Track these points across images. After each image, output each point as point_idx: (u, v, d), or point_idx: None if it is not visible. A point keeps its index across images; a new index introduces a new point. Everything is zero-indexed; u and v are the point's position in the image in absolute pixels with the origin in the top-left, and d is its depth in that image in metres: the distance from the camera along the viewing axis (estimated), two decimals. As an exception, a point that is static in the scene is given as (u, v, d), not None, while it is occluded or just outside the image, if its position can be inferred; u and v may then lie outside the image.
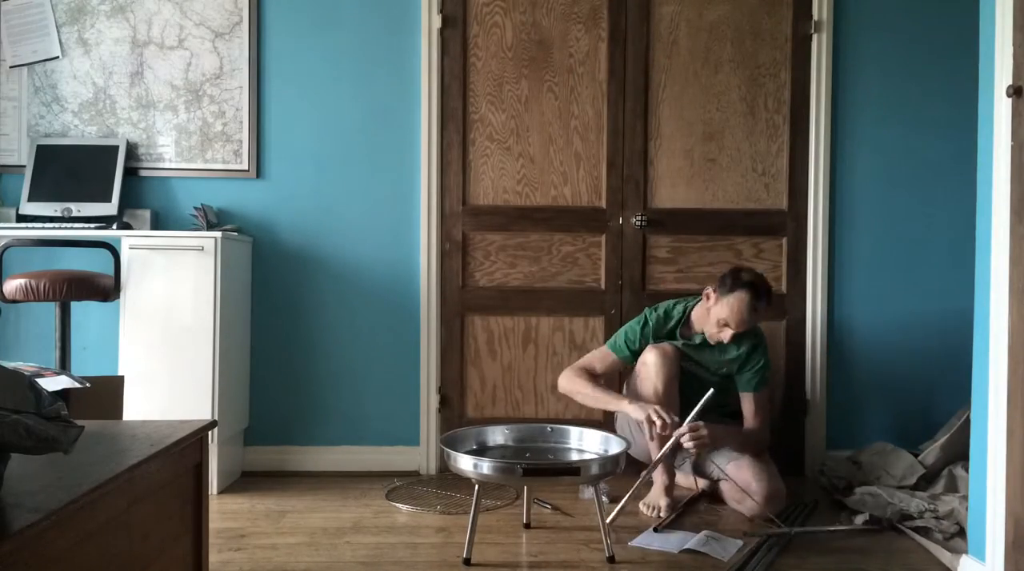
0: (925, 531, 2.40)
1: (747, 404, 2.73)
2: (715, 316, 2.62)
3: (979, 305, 2.02)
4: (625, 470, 2.36)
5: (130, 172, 3.16)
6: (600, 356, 2.82)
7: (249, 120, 3.19)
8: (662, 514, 2.59)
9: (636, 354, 2.74)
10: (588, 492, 2.81)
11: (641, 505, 2.66)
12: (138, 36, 3.20)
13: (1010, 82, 1.86)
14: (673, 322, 2.76)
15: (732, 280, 2.61)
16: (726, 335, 2.60)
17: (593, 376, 2.76)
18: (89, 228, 2.88)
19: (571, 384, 2.75)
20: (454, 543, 2.35)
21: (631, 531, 2.46)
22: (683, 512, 2.65)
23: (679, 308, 2.79)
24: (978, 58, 2.02)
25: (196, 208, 3.05)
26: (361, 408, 3.21)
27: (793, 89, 3.20)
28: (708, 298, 2.66)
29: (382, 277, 3.21)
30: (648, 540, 2.36)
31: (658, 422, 2.46)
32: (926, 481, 2.72)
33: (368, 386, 3.21)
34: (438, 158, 3.20)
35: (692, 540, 2.33)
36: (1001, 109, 1.90)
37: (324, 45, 3.20)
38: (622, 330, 2.82)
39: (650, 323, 2.77)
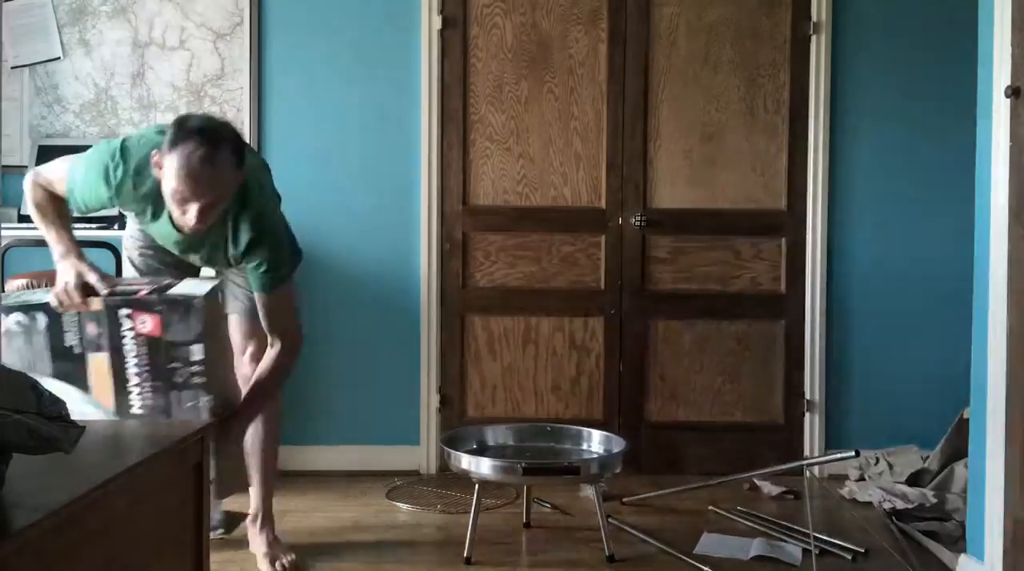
0: (933, 535, 2.41)
1: (260, 306, 2.04)
2: (168, 189, 1.80)
3: (978, 305, 2.02)
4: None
5: (131, 172, 3.16)
6: (61, 184, 1.97)
7: (250, 121, 3.19)
8: None
9: (84, 211, 2.05)
10: (587, 490, 2.81)
11: None
12: (139, 37, 3.20)
13: (1009, 83, 1.86)
14: (148, 189, 1.90)
15: (175, 131, 1.79)
16: (191, 216, 1.79)
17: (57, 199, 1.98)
18: (91, 228, 2.88)
19: (34, 196, 1.99)
20: (454, 543, 2.36)
21: (632, 533, 2.46)
22: None
23: (152, 166, 1.84)
24: (977, 59, 2.03)
25: (197, 208, 3.05)
26: (361, 408, 3.21)
27: (792, 90, 3.20)
28: (157, 166, 1.81)
29: (382, 277, 3.22)
30: (712, 547, 2.33)
31: (67, 299, 1.79)
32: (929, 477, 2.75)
33: (368, 386, 3.21)
34: (438, 158, 3.20)
35: (755, 546, 2.31)
36: (1000, 110, 1.91)
37: (325, 46, 3.21)
38: (83, 170, 1.96)
39: (111, 183, 1.92)
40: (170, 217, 1.90)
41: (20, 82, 3.20)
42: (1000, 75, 1.90)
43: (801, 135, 3.20)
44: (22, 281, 2.66)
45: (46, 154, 3.10)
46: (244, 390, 2.06)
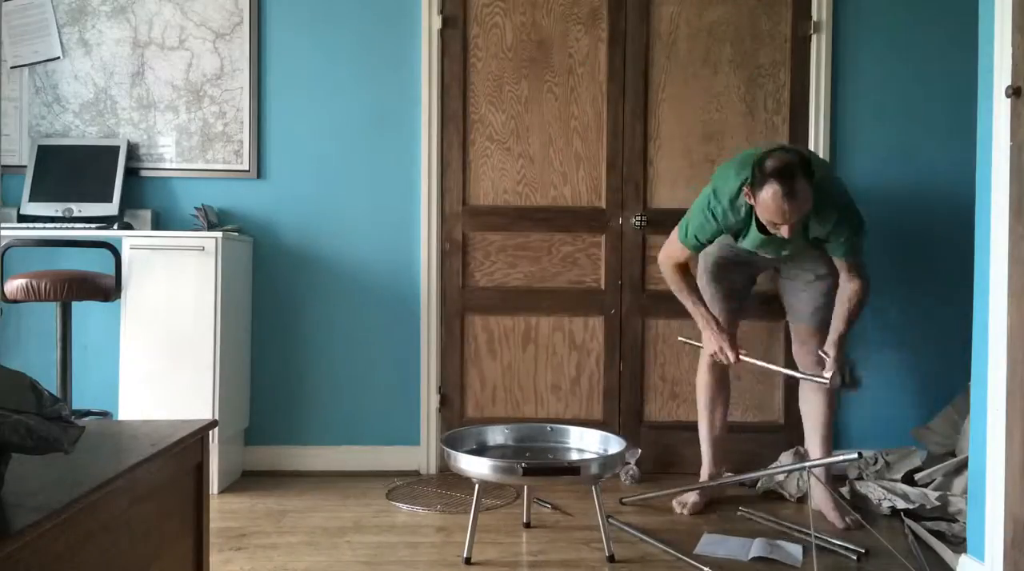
0: (940, 535, 2.41)
1: (839, 266, 2.52)
2: (762, 217, 2.31)
3: (978, 305, 2.02)
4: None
5: (131, 172, 3.16)
6: (679, 248, 2.58)
7: (250, 120, 3.20)
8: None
9: (703, 246, 2.58)
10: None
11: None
12: (139, 37, 3.20)
13: (1009, 82, 1.86)
14: (744, 214, 2.41)
15: (758, 174, 2.25)
16: (784, 231, 2.29)
17: (685, 269, 2.63)
18: (90, 228, 2.88)
19: (672, 279, 2.64)
20: (454, 543, 2.36)
21: (633, 536, 2.46)
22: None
23: (740, 195, 2.38)
24: (977, 59, 2.03)
25: (197, 208, 3.05)
26: (361, 408, 3.22)
27: (792, 90, 3.20)
28: (748, 197, 2.32)
29: (382, 277, 3.22)
30: (712, 548, 2.33)
31: (723, 358, 2.60)
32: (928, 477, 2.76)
33: (368, 386, 3.22)
34: (438, 158, 3.20)
35: (755, 547, 2.30)
36: (1000, 109, 1.90)
37: (324, 45, 3.21)
38: (688, 221, 2.52)
39: (717, 219, 2.44)
40: (759, 228, 2.39)
41: (20, 82, 3.20)
42: (1000, 75, 1.90)
43: (801, 135, 3.20)
44: (22, 281, 2.66)
45: (45, 154, 3.11)
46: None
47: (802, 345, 2.71)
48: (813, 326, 2.67)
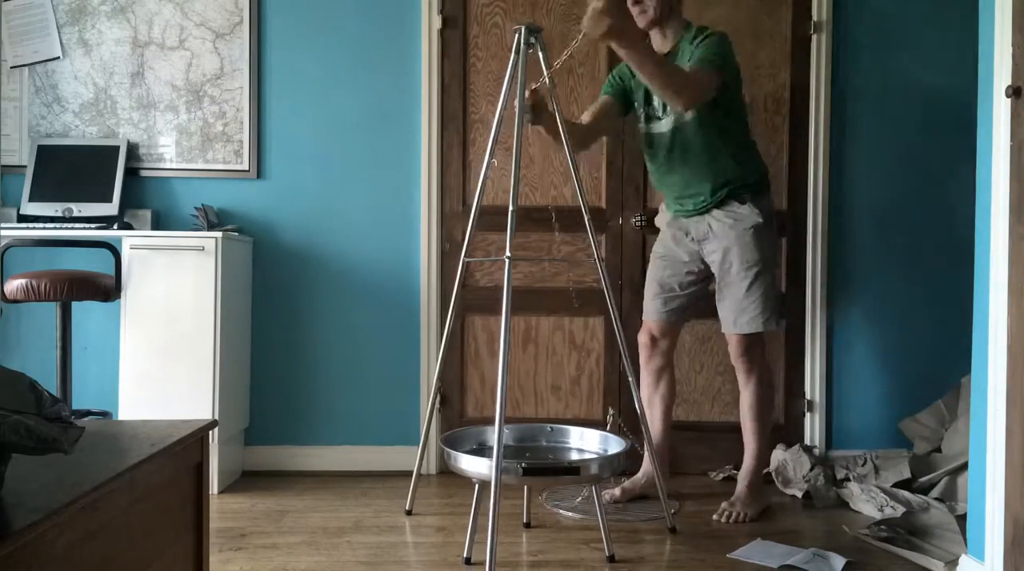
0: (924, 550, 2.37)
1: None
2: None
3: (978, 305, 2.02)
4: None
5: (131, 172, 3.16)
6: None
7: (249, 120, 3.19)
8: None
9: (614, 87, 2.74)
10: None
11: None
12: (139, 36, 3.20)
13: (1009, 83, 1.86)
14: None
15: None
16: (642, 20, 2.56)
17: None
18: (90, 228, 2.88)
19: None
20: (454, 543, 2.36)
21: (632, 533, 2.46)
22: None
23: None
24: (977, 59, 2.02)
25: (197, 208, 3.05)
26: (361, 408, 3.21)
27: (792, 89, 3.20)
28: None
29: (382, 277, 3.22)
30: (748, 553, 2.27)
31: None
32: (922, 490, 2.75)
33: (368, 386, 3.22)
34: (438, 158, 3.20)
35: (796, 556, 2.22)
36: (1000, 109, 1.90)
37: (324, 45, 3.21)
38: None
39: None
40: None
41: (19, 82, 3.20)
42: (1000, 75, 1.90)
43: (802, 135, 3.20)
44: (22, 281, 2.66)
45: (45, 154, 3.10)
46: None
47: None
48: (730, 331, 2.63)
